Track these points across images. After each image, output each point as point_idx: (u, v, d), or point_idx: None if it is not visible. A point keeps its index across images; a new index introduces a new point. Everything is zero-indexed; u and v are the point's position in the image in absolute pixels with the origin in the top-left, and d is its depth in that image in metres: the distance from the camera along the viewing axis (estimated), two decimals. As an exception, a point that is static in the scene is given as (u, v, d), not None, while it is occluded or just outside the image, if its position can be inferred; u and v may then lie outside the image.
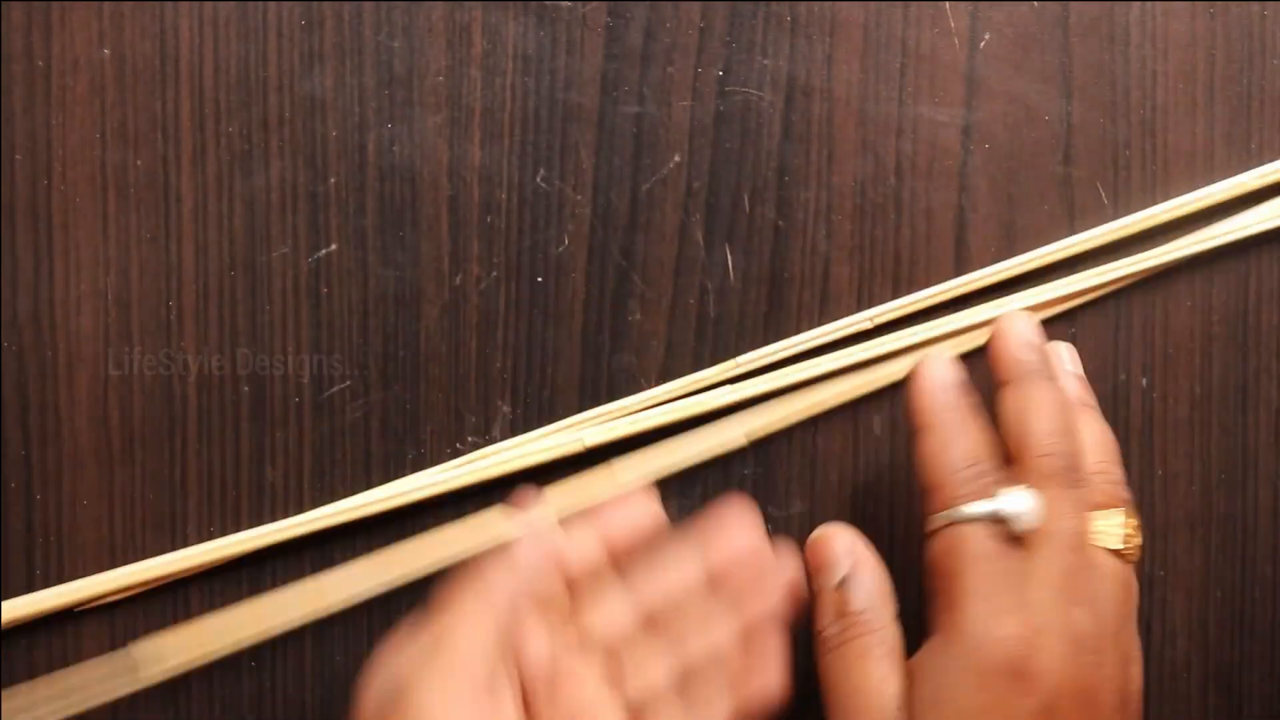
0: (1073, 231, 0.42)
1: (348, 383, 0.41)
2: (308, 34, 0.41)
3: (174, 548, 0.41)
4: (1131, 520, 0.37)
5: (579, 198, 0.42)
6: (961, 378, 0.39)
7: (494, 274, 0.42)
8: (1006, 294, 0.41)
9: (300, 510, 0.41)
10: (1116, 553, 0.37)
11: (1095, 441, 0.38)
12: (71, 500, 0.41)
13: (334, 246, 0.41)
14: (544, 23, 0.41)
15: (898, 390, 0.42)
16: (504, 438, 0.42)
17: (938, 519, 0.37)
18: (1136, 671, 0.37)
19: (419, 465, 0.42)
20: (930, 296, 0.41)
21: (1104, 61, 0.42)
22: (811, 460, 0.42)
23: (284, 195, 0.41)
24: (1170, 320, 0.42)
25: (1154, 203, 0.42)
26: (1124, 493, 0.38)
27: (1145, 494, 0.42)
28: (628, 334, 0.42)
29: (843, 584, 0.38)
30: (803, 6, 0.41)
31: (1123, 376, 0.42)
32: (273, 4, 0.41)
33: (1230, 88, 0.42)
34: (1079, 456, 0.37)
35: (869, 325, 0.41)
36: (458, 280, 0.42)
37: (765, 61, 0.42)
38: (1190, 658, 0.43)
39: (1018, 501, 0.36)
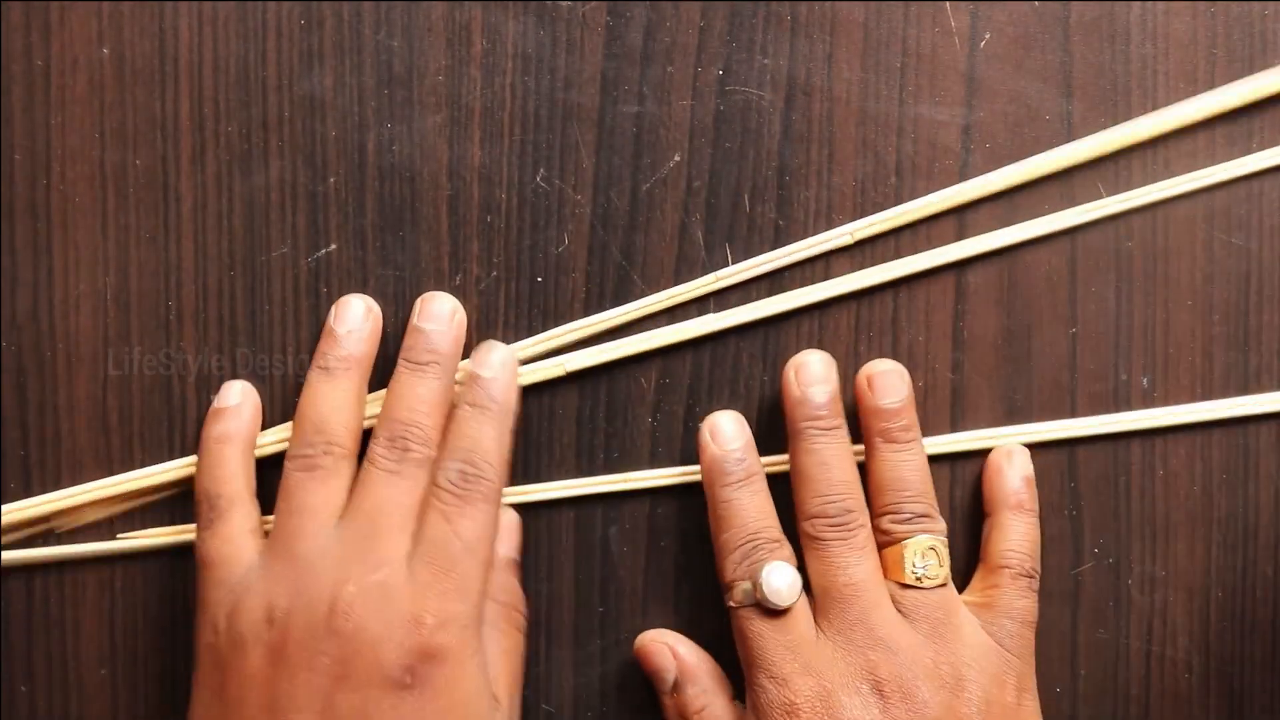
0: (1073, 233, 0.42)
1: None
2: (307, 33, 0.41)
3: (174, 548, 0.41)
4: (923, 544, 0.39)
5: (579, 197, 0.42)
6: (742, 441, 0.40)
7: (494, 274, 0.42)
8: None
9: None
10: (911, 585, 0.38)
11: (895, 470, 0.40)
12: (73, 498, 0.41)
13: (333, 246, 0.41)
14: (544, 22, 0.41)
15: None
16: None
17: (725, 601, 0.39)
18: (990, 688, 0.37)
19: None
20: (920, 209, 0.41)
21: (1104, 61, 0.42)
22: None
23: (283, 195, 0.41)
24: (1171, 320, 0.42)
25: (1156, 204, 0.42)
26: (918, 523, 0.39)
27: (1146, 494, 0.42)
28: (628, 334, 0.42)
29: (675, 688, 0.40)
30: (803, 6, 0.41)
31: (1124, 377, 0.42)
32: (272, 4, 0.41)
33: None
34: (856, 513, 0.39)
35: (849, 241, 0.41)
36: (458, 280, 0.42)
37: (765, 61, 0.41)
38: (1191, 657, 0.42)
39: (777, 578, 0.38)
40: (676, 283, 0.42)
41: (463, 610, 0.37)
